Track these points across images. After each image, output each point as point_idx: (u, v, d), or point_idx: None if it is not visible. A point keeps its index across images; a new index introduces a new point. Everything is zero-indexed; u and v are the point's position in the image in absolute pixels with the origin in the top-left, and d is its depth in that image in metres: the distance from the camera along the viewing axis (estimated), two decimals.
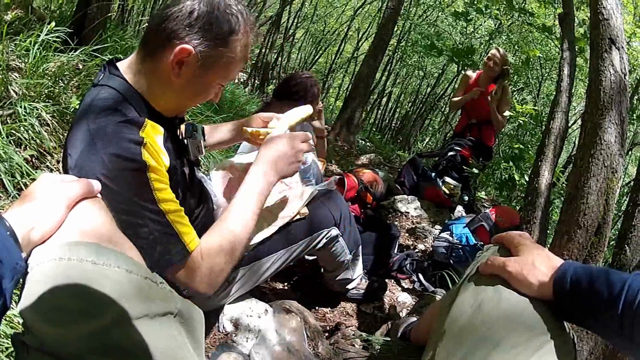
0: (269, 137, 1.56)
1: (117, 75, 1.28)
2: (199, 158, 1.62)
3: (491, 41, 8.05)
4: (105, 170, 1.12)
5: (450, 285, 2.31)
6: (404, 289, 2.65)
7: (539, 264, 1.05)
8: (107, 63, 1.32)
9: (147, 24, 1.29)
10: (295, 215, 1.79)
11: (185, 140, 1.51)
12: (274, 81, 11.34)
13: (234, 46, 1.28)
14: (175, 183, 1.28)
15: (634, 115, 4.26)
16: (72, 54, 2.53)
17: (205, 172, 1.89)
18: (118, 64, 1.31)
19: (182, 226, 1.26)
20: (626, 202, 2.62)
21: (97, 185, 0.93)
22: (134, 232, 1.16)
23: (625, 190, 4.54)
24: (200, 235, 1.32)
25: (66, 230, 0.82)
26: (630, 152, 6.45)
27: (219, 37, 1.24)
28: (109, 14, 3.22)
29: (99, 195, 0.94)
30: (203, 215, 1.58)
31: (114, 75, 1.28)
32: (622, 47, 2.01)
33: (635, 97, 4.02)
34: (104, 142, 1.14)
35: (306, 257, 2.05)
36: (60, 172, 2.07)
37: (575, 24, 3.34)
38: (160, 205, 1.21)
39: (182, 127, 1.52)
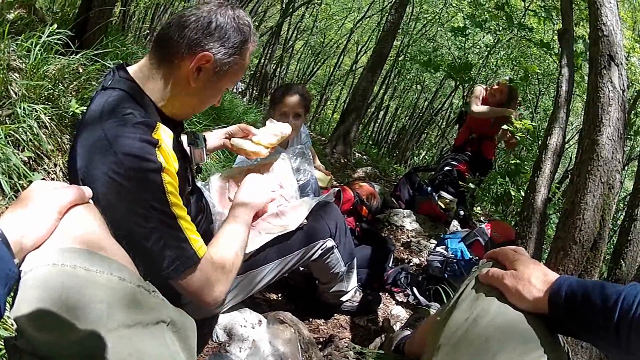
0: (247, 178, 1.72)
1: (127, 79, 1.30)
2: (200, 166, 1.63)
3: (490, 56, 8.09)
4: (122, 169, 1.13)
5: (445, 300, 2.30)
6: (398, 303, 2.64)
7: (534, 279, 1.05)
8: (117, 67, 1.34)
9: (161, 31, 1.33)
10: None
11: (188, 148, 1.54)
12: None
13: (245, 54, 1.37)
14: (180, 189, 1.28)
15: (632, 130, 4.26)
16: (72, 57, 2.52)
17: (202, 182, 1.91)
18: (127, 68, 1.33)
19: (191, 232, 1.26)
20: (622, 216, 2.62)
21: (88, 191, 0.93)
22: (144, 235, 1.17)
23: (622, 205, 4.53)
24: None
25: (59, 236, 0.82)
26: (626, 167, 6.45)
27: (235, 46, 1.32)
28: (111, 19, 3.22)
29: (90, 201, 0.94)
30: (203, 223, 1.58)
31: (123, 79, 1.30)
32: (622, 64, 1.99)
33: (633, 112, 4.04)
34: (119, 143, 1.15)
35: (300, 268, 2.05)
36: (56, 176, 2.06)
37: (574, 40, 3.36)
38: (172, 209, 1.21)
39: (184, 135, 1.53)
